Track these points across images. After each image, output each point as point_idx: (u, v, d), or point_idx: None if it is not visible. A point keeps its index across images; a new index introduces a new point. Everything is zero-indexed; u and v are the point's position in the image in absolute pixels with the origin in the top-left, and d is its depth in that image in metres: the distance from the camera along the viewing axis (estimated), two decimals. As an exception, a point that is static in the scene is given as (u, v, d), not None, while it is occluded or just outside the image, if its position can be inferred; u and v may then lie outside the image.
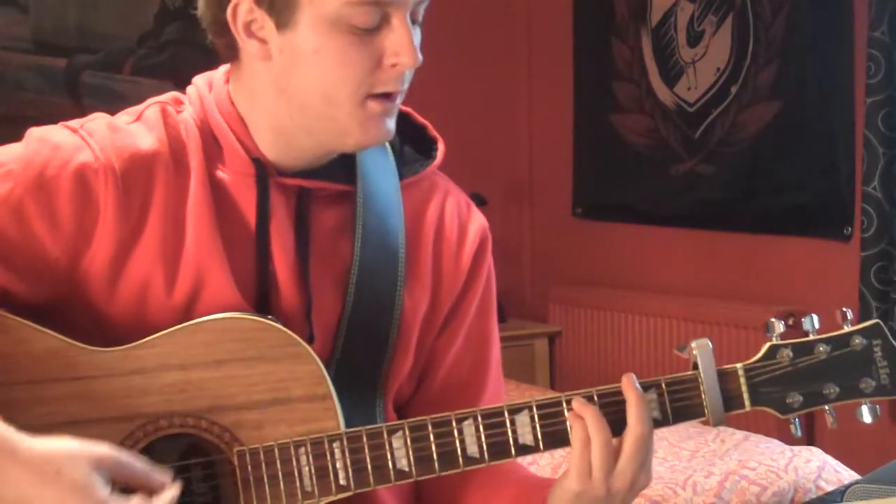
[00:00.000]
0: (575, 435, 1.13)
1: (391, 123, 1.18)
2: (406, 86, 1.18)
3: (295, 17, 1.12)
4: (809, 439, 3.09)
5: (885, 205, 3.08)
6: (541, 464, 2.48)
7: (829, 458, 2.60)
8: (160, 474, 1.07)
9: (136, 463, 1.06)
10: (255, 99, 1.20)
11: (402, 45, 1.14)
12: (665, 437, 2.77)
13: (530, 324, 4.28)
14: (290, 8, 1.12)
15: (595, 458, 1.12)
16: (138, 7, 3.72)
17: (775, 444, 2.70)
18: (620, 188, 4.08)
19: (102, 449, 1.04)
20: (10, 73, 3.52)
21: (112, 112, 1.24)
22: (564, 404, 1.15)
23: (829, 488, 2.45)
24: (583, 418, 1.13)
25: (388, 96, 1.16)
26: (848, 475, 2.54)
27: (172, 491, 1.06)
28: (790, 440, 2.68)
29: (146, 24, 3.73)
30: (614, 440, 1.13)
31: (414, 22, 1.17)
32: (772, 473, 2.49)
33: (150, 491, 1.05)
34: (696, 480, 2.46)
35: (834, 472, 2.54)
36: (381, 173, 1.26)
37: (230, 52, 1.20)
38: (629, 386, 1.14)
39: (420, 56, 1.15)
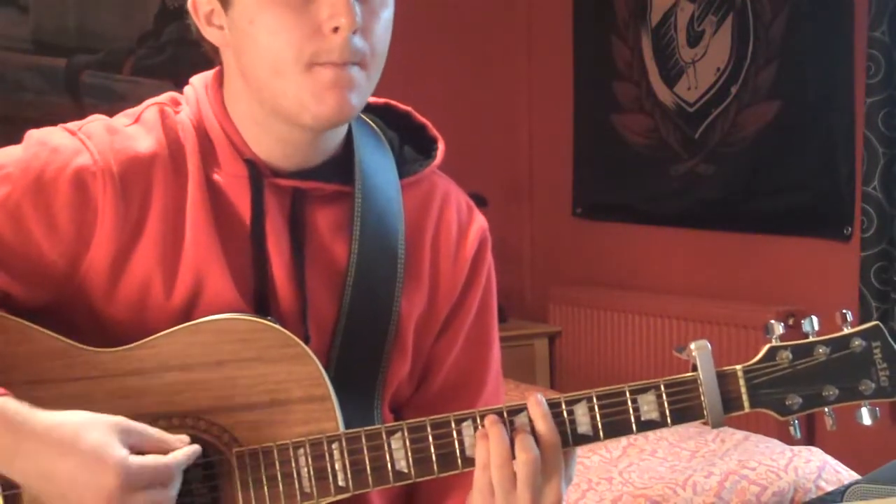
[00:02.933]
0: (477, 455, 1.12)
1: (354, 98, 1.14)
2: (358, 56, 1.13)
3: None
4: (809, 439, 3.09)
5: (885, 205, 3.08)
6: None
7: (829, 458, 2.60)
8: (175, 440, 1.08)
9: (150, 429, 1.07)
10: (234, 93, 1.20)
11: (338, 5, 1.10)
12: (665, 437, 2.77)
13: (530, 324, 4.28)
14: None
15: (494, 478, 1.11)
16: (138, 7, 3.72)
17: (775, 444, 2.70)
18: (620, 188, 4.08)
19: (116, 416, 1.05)
20: (10, 73, 3.52)
21: (112, 112, 1.24)
22: (564, 405, 1.14)
23: (829, 488, 2.45)
24: (487, 438, 1.12)
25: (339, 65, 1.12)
26: (848, 475, 2.54)
27: (192, 447, 1.08)
28: (790, 440, 2.68)
29: (146, 24, 3.73)
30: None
31: None
32: (772, 473, 2.50)
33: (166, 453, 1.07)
34: (696, 480, 2.46)
35: (834, 472, 2.54)
36: (380, 173, 1.26)
37: (214, 53, 1.22)
38: (531, 407, 1.13)
39: (358, 16, 1.11)
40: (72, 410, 1.05)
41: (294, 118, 1.15)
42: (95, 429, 1.03)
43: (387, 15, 1.16)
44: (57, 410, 1.04)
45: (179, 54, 3.69)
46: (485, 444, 1.12)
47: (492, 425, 1.12)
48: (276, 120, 1.18)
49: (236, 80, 1.19)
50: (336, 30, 1.10)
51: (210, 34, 1.19)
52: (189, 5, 1.19)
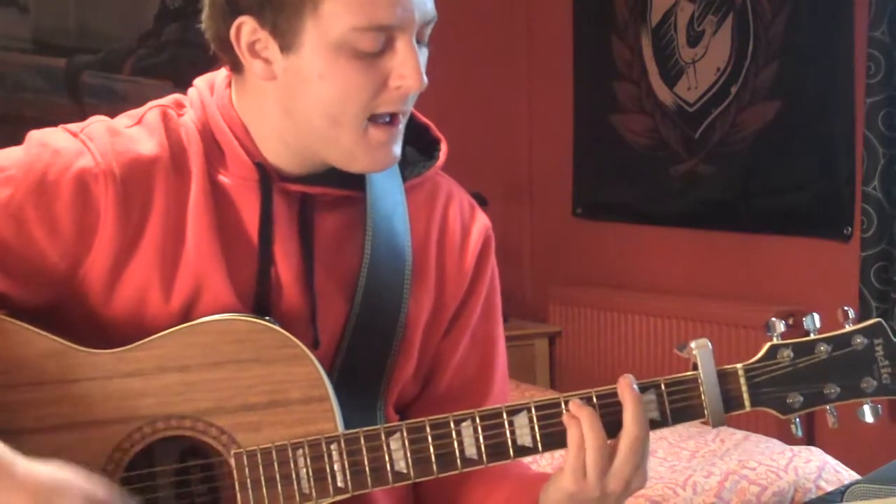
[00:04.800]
0: (570, 436, 1.12)
1: (397, 149, 1.18)
2: (410, 105, 1.17)
3: (299, 40, 1.11)
4: (810, 439, 3.09)
5: (885, 205, 3.08)
6: (541, 464, 2.48)
7: (829, 458, 2.60)
8: None
9: None
10: (261, 114, 1.19)
11: (408, 68, 1.12)
12: (665, 437, 2.76)
13: (530, 324, 4.28)
14: (295, 31, 1.11)
15: (589, 460, 1.11)
16: (138, 7, 3.72)
17: (775, 444, 2.69)
18: (620, 188, 4.08)
19: (96, 487, 1.04)
20: (10, 73, 3.52)
21: (113, 112, 1.23)
22: (563, 405, 1.14)
23: (829, 488, 2.45)
24: (578, 419, 1.12)
25: (392, 122, 1.15)
26: (848, 475, 2.53)
27: None
28: (790, 440, 2.68)
29: (146, 24, 3.73)
30: (610, 441, 1.13)
31: (420, 42, 1.15)
32: (772, 473, 2.49)
33: None
34: (696, 480, 2.45)
35: (834, 472, 2.54)
36: (385, 176, 1.26)
37: (235, 68, 1.19)
38: (626, 387, 1.13)
39: (425, 79, 1.14)
40: (55, 465, 1.02)
41: (340, 164, 1.17)
42: (74, 497, 1.01)
43: (426, 59, 1.17)
44: (44, 443, 1.04)
45: (179, 54, 3.69)
46: (577, 425, 1.12)
47: (580, 408, 1.12)
48: (306, 150, 1.18)
49: (271, 106, 1.17)
50: (399, 87, 1.13)
51: (253, 65, 1.15)
52: (232, 30, 1.14)
